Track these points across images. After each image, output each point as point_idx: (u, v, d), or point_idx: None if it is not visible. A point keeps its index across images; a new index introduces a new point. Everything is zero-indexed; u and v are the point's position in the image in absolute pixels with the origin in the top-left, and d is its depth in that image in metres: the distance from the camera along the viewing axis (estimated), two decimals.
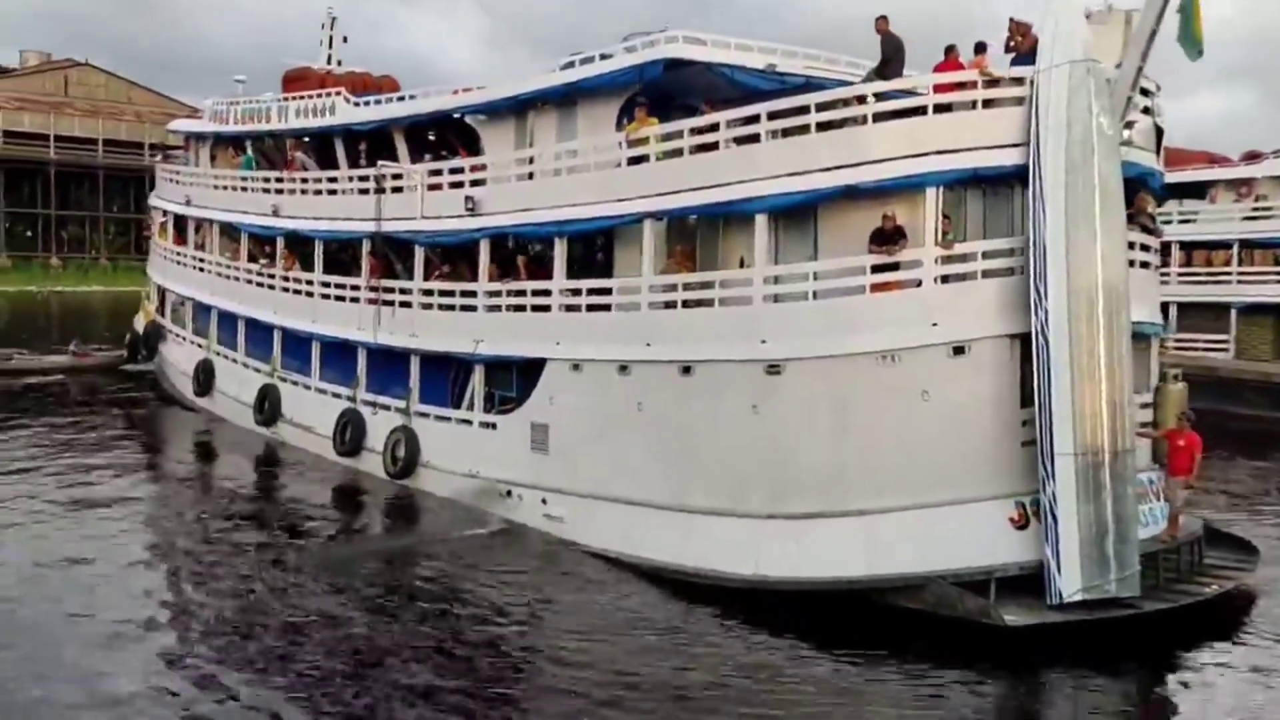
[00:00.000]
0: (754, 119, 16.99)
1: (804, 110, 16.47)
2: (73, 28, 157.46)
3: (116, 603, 15.82)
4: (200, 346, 33.80)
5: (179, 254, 36.64)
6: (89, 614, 15.36)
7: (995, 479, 15.47)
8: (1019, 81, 15.78)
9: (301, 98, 30.26)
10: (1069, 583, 14.63)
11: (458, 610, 15.93)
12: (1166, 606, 15.03)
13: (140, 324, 40.51)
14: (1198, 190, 42.11)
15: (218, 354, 32.58)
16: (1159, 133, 17.62)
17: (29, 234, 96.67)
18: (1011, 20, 16.95)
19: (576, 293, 19.69)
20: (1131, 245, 16.66)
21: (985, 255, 15.74)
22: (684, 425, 17.47)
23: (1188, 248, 41.42)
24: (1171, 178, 42.62)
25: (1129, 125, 16.24)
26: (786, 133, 16.81)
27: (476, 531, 20.06)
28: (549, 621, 15.88)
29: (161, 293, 38.57)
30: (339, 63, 36.52)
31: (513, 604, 16.26)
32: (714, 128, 17.53)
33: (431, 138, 26.71)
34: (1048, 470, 14.88)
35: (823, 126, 16.64)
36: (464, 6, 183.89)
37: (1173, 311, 40.31)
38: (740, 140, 17.26)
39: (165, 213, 38.85)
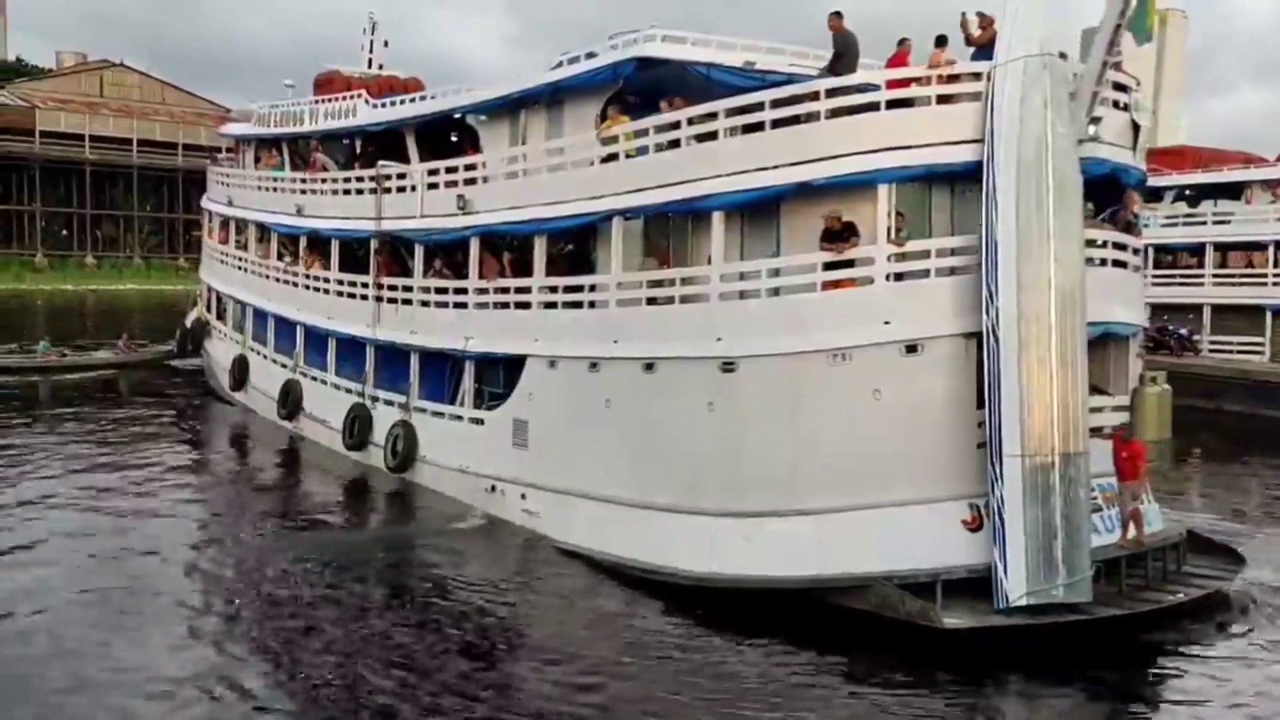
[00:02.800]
0: (712, 116, 16.51)
1: (759, 107, 15.96)
2: (108, 27, 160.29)
3: (112, 584, 16.19)
4: (237, 342, 34.16)
5: (222, 253, 37.05)
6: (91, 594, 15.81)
7: (949, 480, 14.87)
8: (977, 76, 15.14)
9: (328, 100, 30.37)
10: (1015, 586, 14.01)
11: (410, 608, 15.66)
12: (1121, 613, 14.36)
13: (190, 321, 41.07)
14: (1233, 191, 40.76)
15: (252, 350, 32.86)
16: (1136, 129, 16.80)
17: (64, 233, 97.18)
18: (964, 15, 16.33)
19: (554, 290, 19.36)
20: (1093, 243, 15.95)
21: (939, 253, 15.13)
22: (647, 422, 17.12)
23: (1223, 249, 40.08)
24: (1207, 178, 41.94)
25: (1095, 121, 15.48)
26: (748, 129, 16.30)
27: (458, 526, 19.95)
28: (505, 622, 15.47)
29: (210, 291, 38.99)
30: (380, 66, 36.58)
31: (473, 603, 15.94)
32: (675, 125, 17.09)
33: (454, 138, 26.54)
34: (996, 472, 14.26)
35: (790, 123, 16.14)
36: (494, 8, 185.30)
37: (1207, 313, 39.24)
38: (701, 138, 16.80)
39: (212, 214, 39.31)
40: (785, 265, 15.86)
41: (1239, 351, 38.16)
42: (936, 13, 17.21)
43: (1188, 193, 42.69)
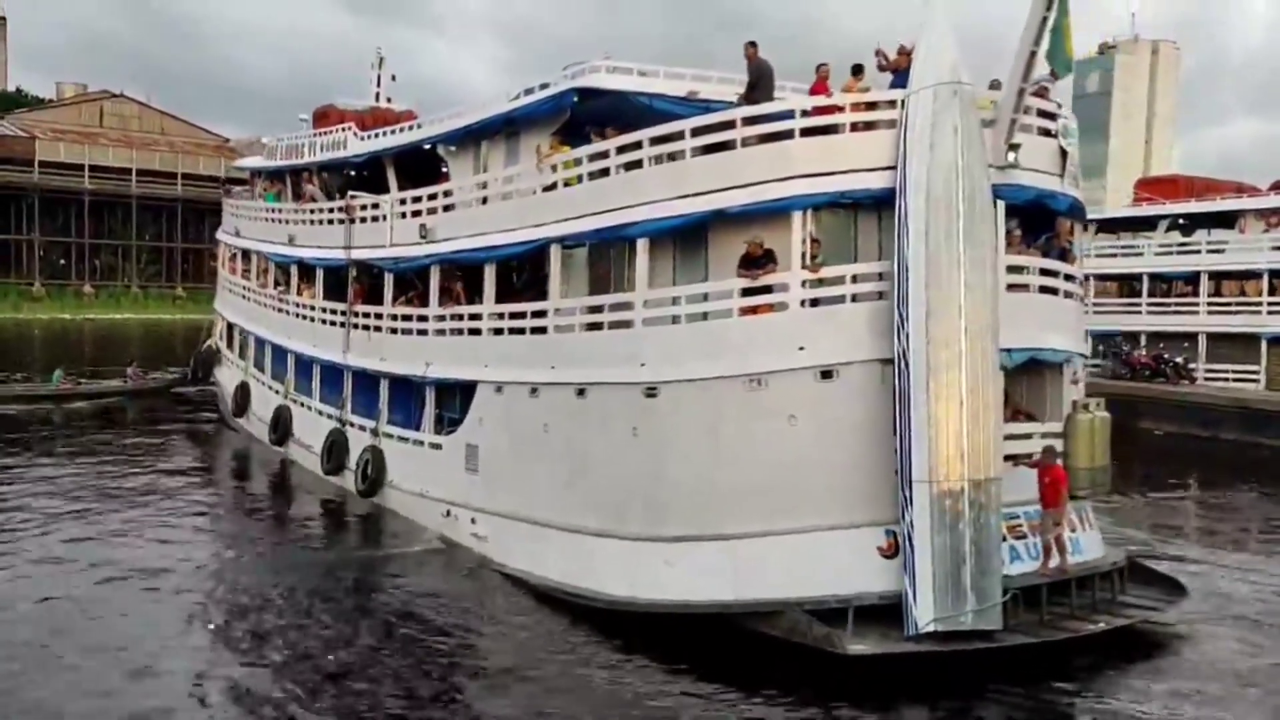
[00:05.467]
0: (637, 145, 16.39)
1: (679, 136, 15.83)
2: (107, 58, 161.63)
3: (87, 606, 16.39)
4: (240, 369, 34.39)
5: (230, 282, 37.40)
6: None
7: (865, 506, 14.54)
8: (892, 103, 14.91)
9: (324, 133, 30.59)
10: (923, 613, 13.65)
11: (345, 633, 15.53)
12: (1030, 641, 13.93)
13: (203, 349, 41.43)
14: (1227, 220, 40.07)
15: (253, 377, 33.04)
16: (1064, 155, 16.46)
17: (62, 262, 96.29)
18: (879, 44, 16.17)
19: (501, 316, 19.27)
20: (1018, 269, 15.69)
21: (855, 279, 14.85)
22: (579, 447, 16.97)
23: (1217, 277, 39.36)
24: (1200, 207, 41.32)
25: (1014, 148, 15.19)
26: (673, 157, 16.18)
27: (410, 550, 19.90)
28: (433, 649, 15.16)
29: (223, 320, 39.35)
30: (388, 99, 36.80)
31: (403, 627, 15.82)
32: (606, 155, 16.99)
33: (444, 168, 26.52)
34: (906, 497, 13.92)
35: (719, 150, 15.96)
36: (485, 37, 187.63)
37: (1202, 342, 38.58)
38: (629, 167, 16.67)
39: (224, 245, 39.73)
40: (702, 291, 15.69)
41: (1235, 380, 37.40)
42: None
43: (1181, 221, 42.09)
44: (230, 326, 37.46)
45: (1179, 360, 38.50)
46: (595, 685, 13.70)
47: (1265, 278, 37.47)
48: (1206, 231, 40.94)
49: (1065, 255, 16.92)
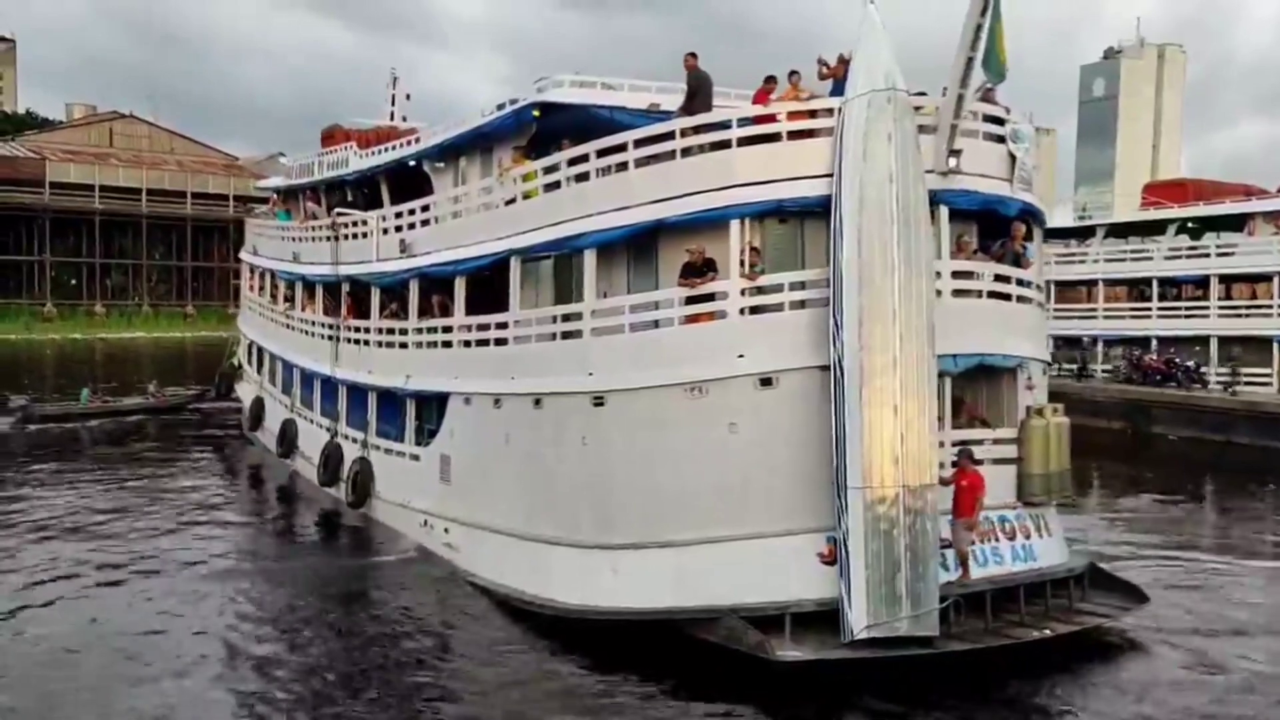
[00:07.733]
0: (584, 158, 16.40)
1: (623, 148, 15.82)
2: (116, 78, 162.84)
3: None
4: (256, 384, 34.77)
5: (250, 300, 37.84)
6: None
7: (806, 513, 14.37)
8: (830, 111, 14.79)
9: (328, 152, 30.89)
10: (857, 619, 13.48)
11: (310, 641, 15.73)
12: (973, 648, 13.71)
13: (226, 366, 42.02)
14: (1235, 223, 39.33)
15: (267, 392, 33.37)
16: (1013, 159, 16.23)
17: (74, 282, 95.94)
18: (820, 56, 16.03)
19: (469, 329, 19.32)
20: (967, 274, 15.50)
21: (794, 286, 14.73)
22: (536, 456, 17.00)
23: (1227, 281, 38.66)
24: (1208, 210, 40.61)
25: (955, 154, 15.01)
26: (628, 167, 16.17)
27: (387, 559, 20.01)
28: (388, 661, 15.17)
29: (246, 338, 39.84)
30: (404, 118, 37.08)
31: (363, 635, 15.98)
32: (557, 167, 17.02)
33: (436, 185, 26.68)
34: (842, 504, 13.76)
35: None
36: (487, 50, 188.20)
37: (1213, 345, 37.90)
38: (579, 178, 16.68)
39: (245, 264, 40.21)
40: (644, 301, 15.64)
41: (1247, 383, 36.65)
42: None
43: (1190, 225, 41.38)
44: (250, 343, 37.93)
45: (1190, 364, 37.83)
46: (544, 693, 13.69)
47: (1275, 280, 36.75)
48: (1215, 235, 40.31)
49: (1019, 260, 16.67)
